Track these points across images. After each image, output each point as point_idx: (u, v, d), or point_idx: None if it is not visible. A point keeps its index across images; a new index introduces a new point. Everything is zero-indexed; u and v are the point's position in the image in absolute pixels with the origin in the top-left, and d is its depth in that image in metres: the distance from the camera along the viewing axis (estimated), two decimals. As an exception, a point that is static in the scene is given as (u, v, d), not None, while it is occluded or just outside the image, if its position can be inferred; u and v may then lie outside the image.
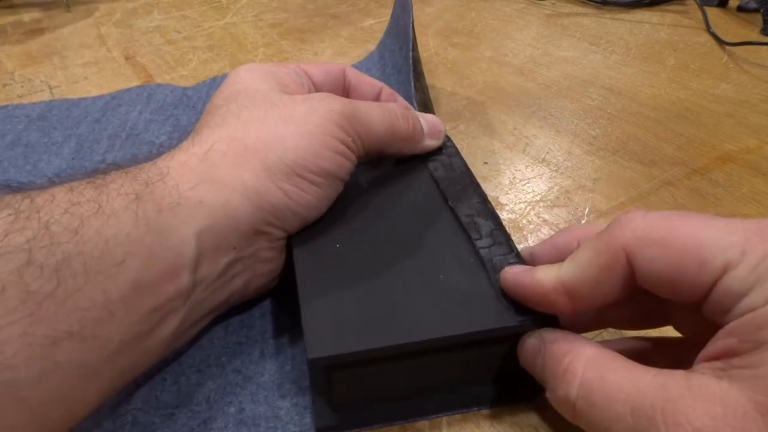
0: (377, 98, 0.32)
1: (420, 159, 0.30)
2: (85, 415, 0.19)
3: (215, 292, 0.23)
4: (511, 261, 0.23)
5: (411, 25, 0.39)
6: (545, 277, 0.20)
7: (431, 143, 0.30)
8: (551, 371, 0.19)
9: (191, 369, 0.25)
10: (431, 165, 0.30)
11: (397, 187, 0.28)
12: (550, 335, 0.20)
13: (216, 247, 0.22)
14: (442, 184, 0.28)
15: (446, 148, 0.31)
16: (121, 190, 0.20)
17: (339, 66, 0.32)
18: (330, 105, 0.25)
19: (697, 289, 0.17)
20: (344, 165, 0.25)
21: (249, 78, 0.27)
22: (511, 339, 0.22)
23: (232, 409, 0.23)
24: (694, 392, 0.15)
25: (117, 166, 0.22)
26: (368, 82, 0.32)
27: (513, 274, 0.21)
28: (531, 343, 0.21)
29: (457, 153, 0.31)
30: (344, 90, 0.32)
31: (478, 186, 0.28)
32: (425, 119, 0.30)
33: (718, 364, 0.16)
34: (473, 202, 0.27)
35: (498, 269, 0.22)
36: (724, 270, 0.16)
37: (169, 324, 0.21)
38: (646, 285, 0.18)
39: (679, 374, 0.16)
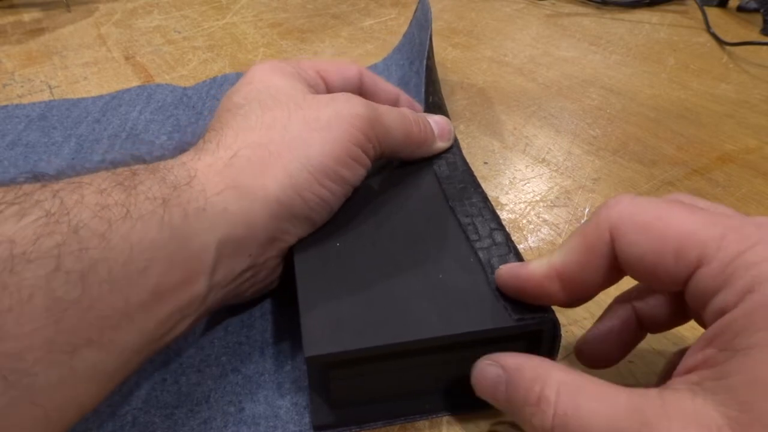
0: (395, 105, 0.32)
1: (427, 159, 0.31)
2: (91, 410, 0.19)
3: (224, 296, 0.23)
4: (510, 261, 0.23)
5: (429, 36, 0.39)
6: (538, 266, 0.20)
7: (442, 145, 0.31)
8: (521, 400, 0.18)
9: (191, 369, 0.25)
10: (436, 163, 0.30)
11: (400, 185, 0.28)
12: (510, 360, 0.19)
13: (233, 255, 0.22)
14: (444, 183, 0.28)
15: (452, 146, 0.32)
16: (149, 193, 0.20)
17: (355, 69, 0.31)
18: (355, 109, 0.25)
19: (673, 280, 0.17)
20: (360, 173, 0.25)
21: (269, 76, 0.27)
22: (509, 339, 0.22)
23: (232, 409, 0.23)
24: (670, 412, 0.15)
25: (143, 160, 0.22)
26: (385, 89, 0.32)
27: (508, 269, 0.21)
28: (489, 371, 0.19)
29: (460, 151, 0.31)
30: (360, 94, 0.31)
31: (478, 185, 0.28)
32: (434, 121, 0.31)
33: (692, 377, 0.15)
34: (474, 201, 0.27)
35: (496, 269, 0.22)
36: (698, 264, 0.16)
37: (181, 328, 0.21)
38: (627, 269, 0.18)
39: (653, 393, 0.16)
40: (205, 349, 0.25)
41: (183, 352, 0.25)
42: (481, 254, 0.23)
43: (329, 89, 0.30)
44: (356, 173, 0.25)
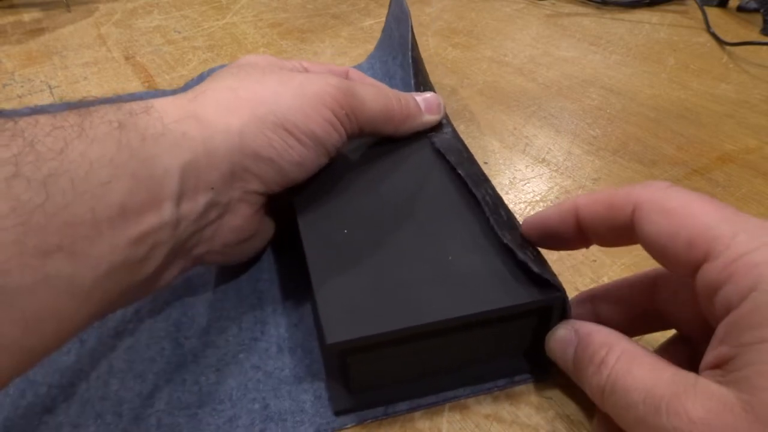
0: None
1: (423, 136, 0.31)
2: (73, 336, 0.19)
3: (195, 234, 0.23)
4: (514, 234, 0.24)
5: (410, 29, 0.39)
6: (564, 200, 0.22)
7: (430, 118, 0.31)
8: (587, 361, 0.20)
9: (209, 369, 0.25)
10: (434, 140, 0.31)
11: (402, 169, 0.29)
12: (583, 327, 0.21)
13: (195, 185, 0.22)
14: (448, 155, 0.29)
15: (445, 126, 0.32)
16: (105, 117, 0.20)
17: (342, 69, 0.32)
18: (327, 79, 0.26)
19: (683, 266, 0.18)
20: (333, 135, 0.25)
21: (253, 59, 0.28)
22: (522, 316, 0.22)
23: (256, 406, 0.23)
24: (698, 391, 0.17)
25: (102, 100, 0.22)
26: (370, 83, 0.33)
27: (536, 214, 0.23)
28: (563, 333, 0.22)
29: (455, 131, 0.32)
30: None
31: (475, 160, 0.29)
32: (421, 96, 0.31)
33: (718, 372, 0.17)
34: (478, 172, 0.28)
35: (511, 239, 0.23)
36: (705, 258, 0.17)
37: (156, 257, 0.21)
38: (643, 245, 0.19)
39: (691, 376, 0.17)
40: (221, 348, 0.25)
41: (198, 352, 0.25)
42: (494, 224, 0.24)
43: None
44: (329, 134, 0.25)
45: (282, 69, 0.27)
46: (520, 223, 0.24)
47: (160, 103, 0.22)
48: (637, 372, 0.18)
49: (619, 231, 0.20)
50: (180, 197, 0.21)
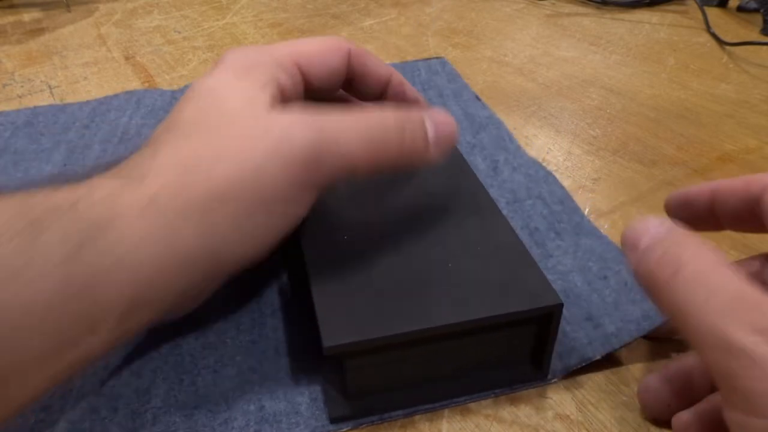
0: (383, 92, 0.29)
1: None
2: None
3: (139, 324, 0.20)
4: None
5: None
6: (707, 183, 0.23)
7: (437, 154, 0.24)
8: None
9: (206, 369, 0.25)
10: None
11: (399, 175, 0.29)
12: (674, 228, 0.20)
13: (140, 308, 0.20)
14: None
15: None
16: (64, 237, 0.18)
17: (341, 55, 0.26)
18: (295, 142, 0.21)
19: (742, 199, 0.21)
20: (304, 204, 0.22)
21: (225, 88, 0.23)
22: (520, 323, 0.22)
23: (252, 407, 0.23)
24: None
25: (63, 178, 0.20)
26: (375, 72, 0.28)
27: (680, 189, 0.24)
28: (654, 222, 0.19)
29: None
30: (346, 82, 0.28)
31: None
32: (433, 121, 0.24)
33: None
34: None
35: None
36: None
37: (86, 364, 0.19)
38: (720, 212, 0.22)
39: None
40: (218, 350, 0.25)
41: (196, 353, 0.25)
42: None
43: (308, 82, 0.26)
44: (300, 205, 0.22)
45: (250, 119, 0.22)
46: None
47: (121, 214, 0.19)
48: (723, 268, 0.17)
49: (750, 208, 0.21)
50: (121, 321, 0.19)
